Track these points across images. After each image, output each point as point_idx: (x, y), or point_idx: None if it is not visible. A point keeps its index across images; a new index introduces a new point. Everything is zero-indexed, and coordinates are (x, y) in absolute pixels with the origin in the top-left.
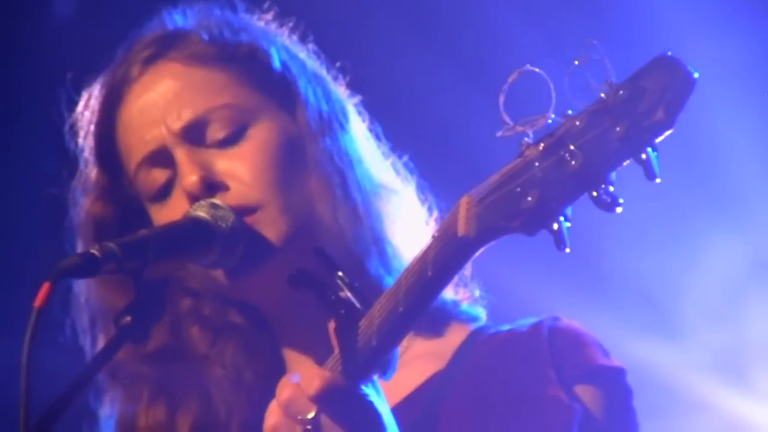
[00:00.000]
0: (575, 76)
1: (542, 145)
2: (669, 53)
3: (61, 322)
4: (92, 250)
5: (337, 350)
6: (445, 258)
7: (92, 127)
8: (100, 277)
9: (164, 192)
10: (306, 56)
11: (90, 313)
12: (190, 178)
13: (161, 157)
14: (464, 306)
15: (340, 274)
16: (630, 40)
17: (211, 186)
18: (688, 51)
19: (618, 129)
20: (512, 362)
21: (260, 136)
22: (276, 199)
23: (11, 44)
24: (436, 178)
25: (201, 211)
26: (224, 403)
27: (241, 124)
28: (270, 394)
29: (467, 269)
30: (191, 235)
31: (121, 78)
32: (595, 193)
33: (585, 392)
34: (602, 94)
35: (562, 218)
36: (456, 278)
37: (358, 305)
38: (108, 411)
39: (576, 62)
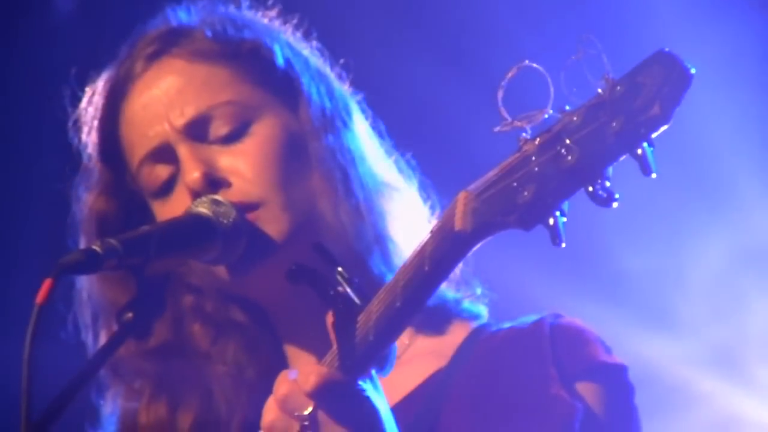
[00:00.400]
0: (573, 71)
1: (539, 140)
2: (666, 49)
3: (63, 318)
4: (94, 247)
5: (334, 346)
6: (442, 253)
7: (96, 123)
8: (102, 273)
9: (167, 188)
10: (309, 53)
11: (92, 309)
12: (192, 174)
13: (164, 154)
14: (466, 304)
15: (339, 269)
16: (622, 36)
17: (214, 182)
18: (676, 46)
19: (614, 124)
20: (514, 360)
21: (263, 132)
22: (278, 196)
23: (14, 39)
24: (438, 176)
25: (202, 208)
26: (225, 400)
27: (244, 121)
28: (271, 392)
29: (469, 267)
30: (192, 232)
31: (125, 74)
32: (591, 188)
33: (587, 390)
34: (599, 90)
35: (558, 213)
36: (458, 276)
37: (356, 300)
38: (110, 407)
39: (573, 58)
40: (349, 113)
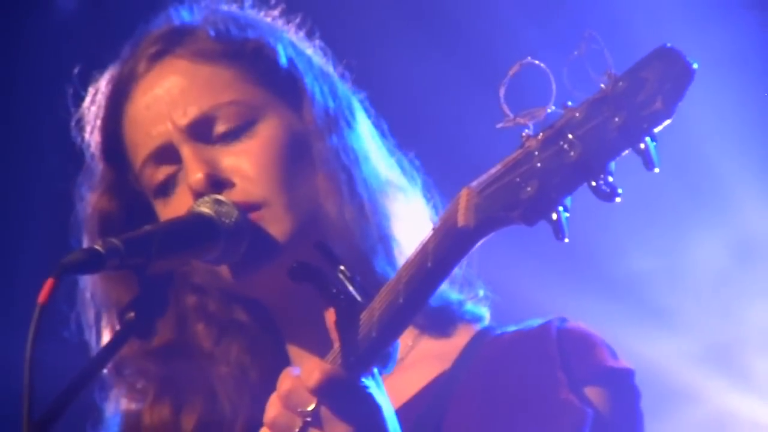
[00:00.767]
0: (575, 67)
1: (542, 135)
2: (668, 44)
3: (66, 317)
4: (96, 246)
5: (337, 343)
6: (444, 249)
7: (99, 123)
8: (105, 273)
9: (169, 188)
10: (313, 53)
11: (95, 309)
12: (195, 175)
13: (167, 153)
14: (469, 305)
15: (341, 267)
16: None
17: (217, 183)
18: (673, 43)
19: (617, 119)
20: (521, 364)
21: (266, 132)
22: (281, 197)
23: (17, 39)
24: (441, 176)
25: (205, 207)
26: (229, 400)
27: (247, 121)
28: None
29: (472, 268)
30: (195, 231)
31: (128, 74)
32: (594, 183)
33: (594, 394)
34: (602, 85)
35: (561, 208)
36: (460, 277)
37: (358, 298)
38: (113, 408)
39: (575, 53)
40: (352, 113)
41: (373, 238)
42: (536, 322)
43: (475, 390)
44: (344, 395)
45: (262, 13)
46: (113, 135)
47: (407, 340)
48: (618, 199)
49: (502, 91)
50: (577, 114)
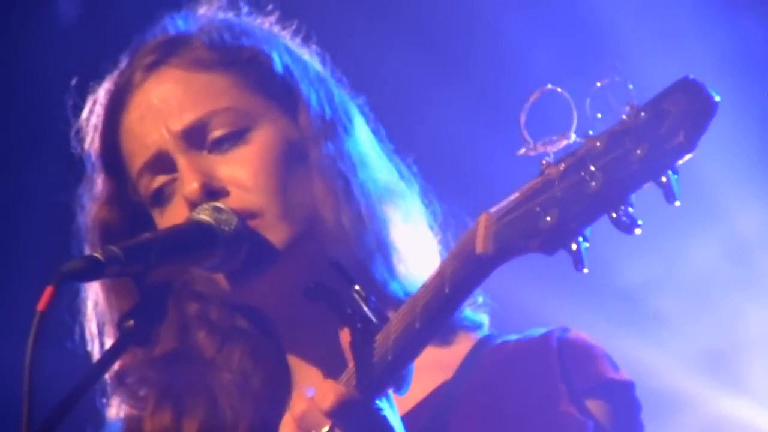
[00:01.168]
0: (597, 96)
1: (563, 165)
2: (691, 76)
3: (66, 325)
4: (95, 254)
5: (351, 364)
6: (462, 275)
7: (97, 134)
8: (106, 281)
9: (166, 197)
10: (309, 58)
11: (96, 318)
12: (190, 185)
13: (162, 162)
14: (468, 312)
15: (356, 287)
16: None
17: (212, 192)
18: (668, 50)
19: (639, 151)
20: (522, 374)
21: (262, 140)
22: (277, 204)
23: (16, 49)
24: (439, 182)
25: (204, 215)
26: (231, 408)
27: (243, 128)
28: (276, 400)
29: None
30: (194, 239)
31: (124, 84)
32: (614, 215)
33: (595, 407)
34: (624, 116)
35: (580, 238)
36: None
37: (373, 319)
38: (114, 415)
39: (598, 84)
40: (349, 118)
41: (370, 244)
42: (537, 331)
43: (476, 402)
44: (358, 418)
45: (258, 20)
46: (111, 145)
47: None
48: (638, 231)
49: (522, 118)
50: (599, 144)
